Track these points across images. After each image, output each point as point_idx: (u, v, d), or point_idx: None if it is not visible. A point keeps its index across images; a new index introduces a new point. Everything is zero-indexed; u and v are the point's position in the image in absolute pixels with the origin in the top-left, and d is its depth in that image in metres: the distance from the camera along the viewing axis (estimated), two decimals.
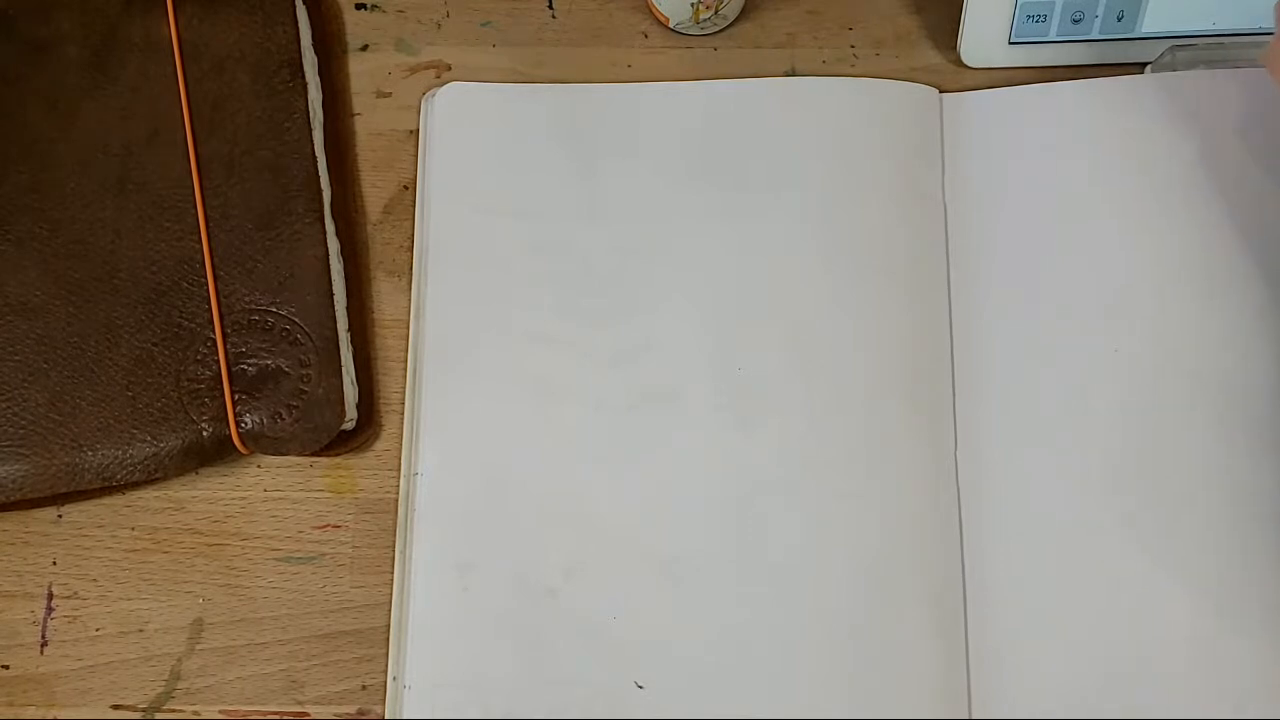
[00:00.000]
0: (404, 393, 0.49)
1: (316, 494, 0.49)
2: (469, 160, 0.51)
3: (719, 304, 0.49)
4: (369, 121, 0.53)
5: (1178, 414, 0.47)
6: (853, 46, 0.54)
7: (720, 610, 0.46)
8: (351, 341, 0.49)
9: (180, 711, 0.47)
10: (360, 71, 0.54)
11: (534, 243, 0.50)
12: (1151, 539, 0.46)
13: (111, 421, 0.47)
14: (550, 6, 0.54)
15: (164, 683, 0.47)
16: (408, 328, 0.50)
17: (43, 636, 0.48)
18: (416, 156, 0.52)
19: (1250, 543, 0.46)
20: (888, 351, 0.48)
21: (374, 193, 0.52)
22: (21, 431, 0.47)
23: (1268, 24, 0.51)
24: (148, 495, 0.49)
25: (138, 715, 0.47)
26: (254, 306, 0.48)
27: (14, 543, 0.49)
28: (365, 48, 0.54)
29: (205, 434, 0.47)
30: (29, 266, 0.49)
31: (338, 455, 0.49)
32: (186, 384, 0.47)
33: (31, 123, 0.50)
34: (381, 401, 0.50)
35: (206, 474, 0.49)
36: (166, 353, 0.48)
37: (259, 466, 0.49)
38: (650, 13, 0.54)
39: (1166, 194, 0.49)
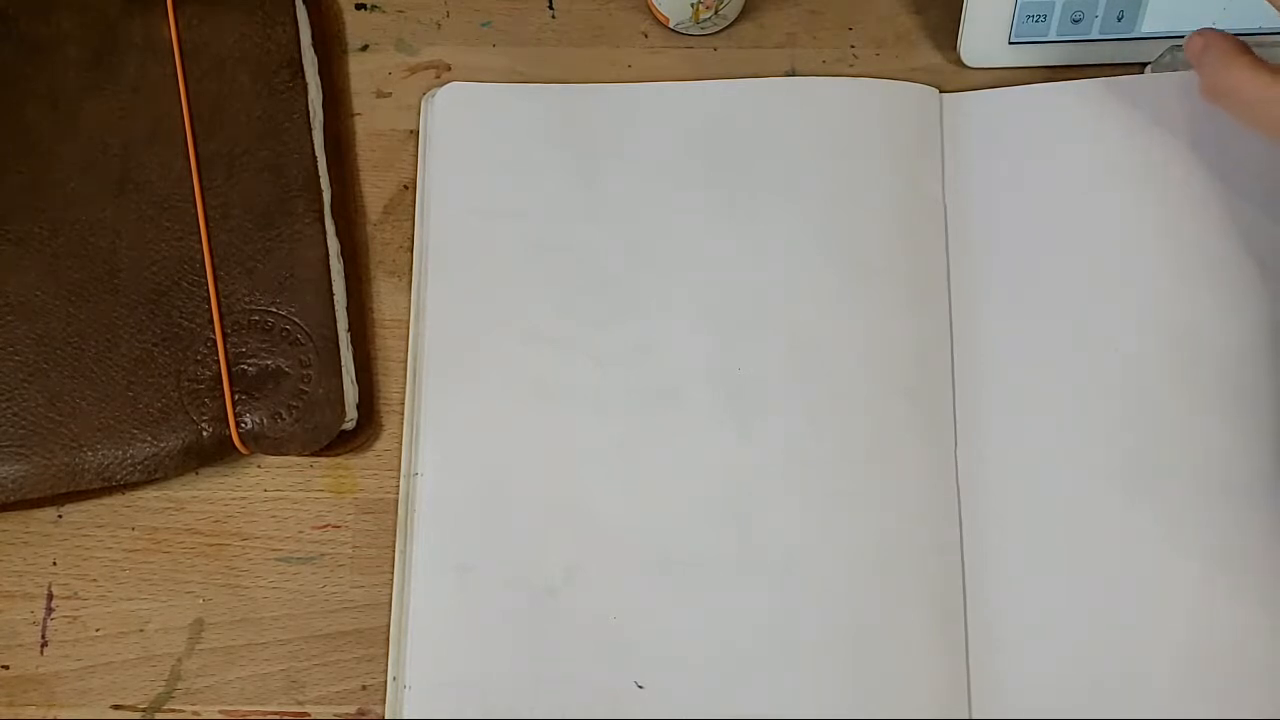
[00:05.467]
0: (404, 393, 0.49)
1: (316, 494, 0.49)
2: (469, 160, 0.51)
3: (719, 304, 0.49)
4: (369, 121, 0.53)
5: (1178, 413, 0.47)
6: (853, 46, 0.54)
7: (720, 610, 0.46)
8: (351, 341, 0.49)
9: (180, 711, 0.47)
10: (360, 71, 0.54)
11: (534, 243, 0.50)
12: (1152, 540, 0.46)
13: (111, 421, 0.47)
14: (550, 6, 0.54)
15: (164, 683, 0.47)
16: (408, 328, 0.50)
17: (43, 636, 0.48)
18: (416, 156, 0.52)
19: (1252, 543, 0.46)
20: (888, 351, 0.48)
21: (374, 193, 0.52)
22: (21, 431, 0.47)
23: (1268, 24, 0.51)
24: (148, 495, 0.49)
25: (138, 715, 0.47)
26: (254, 306, 0.48)
27: (14, 543, 0.49)
28: (365, 48, 0.54)
29: (205, 434, 0.47)
30: (29, 266, 0.49)
31: (338, 455, 0.49)
32: (186, 384, 0.47)
33: (31, 123, 0.50)
34: (381, 401, 0.50)
35: (206, 474, 0.49)
36: (166, 353, 0.48)
37: (259, 466, 0.49)
38: (650, 13, 0.54)
39: (1166, 193, 0.49)
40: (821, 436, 0.48)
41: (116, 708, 0.47)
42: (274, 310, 0.48)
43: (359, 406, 0.48)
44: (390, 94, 0.53)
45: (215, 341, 0.48)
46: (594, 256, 0.50)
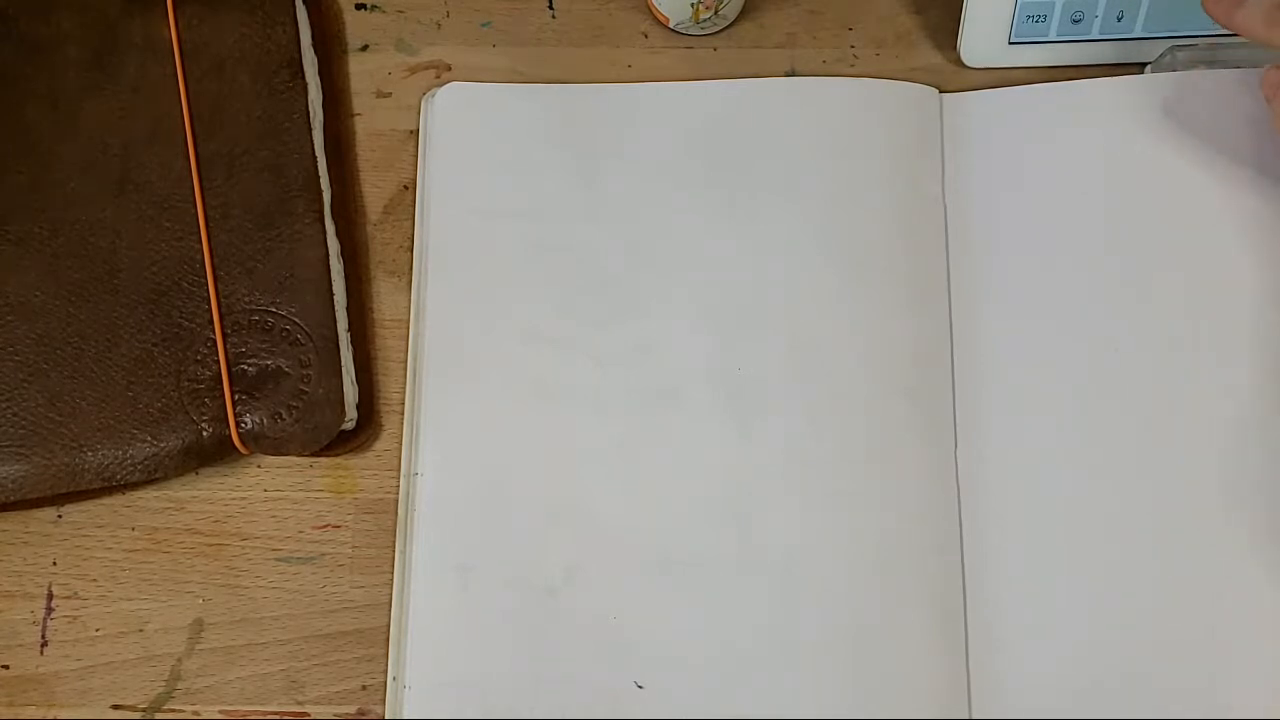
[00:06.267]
0: (404, 393, 0.49)
1: (316, 494, 0.49)
2: (469, 160, 0.51)
3: (719, 304, 0.49)
4: (369, 121, 0.53)
5: (1178, 413, 0.47)
6: (853, 46, 0.54)
7: (720, 610, 0.46)
8: (351, 341, 0.49)
9: (180, 711, 0.47)
10: (360, 71, 0.54)
11: (534, 243, 0.50)
12: (1152, 539, 0.46)
13: (111, 421, 0.47)
14: (550, 6, 0.54)
15: (164, 683, 0.47)
16: (408, 328, 0.50)
17: (43, 636, 0.48)
18: (416, 156, 0.52)
19: (1250, 542, 0.46)
20: (888, 351, 0.48)
21: (374, 193, 0.52)
22: (21, 431, 0.47)
23: None
24: (148, 495, 0.49)
25: (138, 715, 0.47)
26: (254, 306, 0.48)
27: (14, 543, 0.49)
28: (365, 48, 0.54)
29: (205, 434, 0.47)
30: (29, 267, 0.49)
31: (338, 455, 0.49)
32: (186, 384, 0.47)
33: (31, 123, 0.50)
34: (381, 401, 0.50)
35: (206, 474, 0.49)
36: (166, 353, 0.48)
37: (259, 466, 0.49)
38: (650, 13, 0.54)
39: (1166, 194, 0.50)
40: (821, 436, 0.48)
41: (116, 708, 0.47)
42: (274, 310, 0.48)
43: (359, 406, 0.48)
44: (390, 94, 0.53)
45: (215, 341, 0.48)
46: (594, 256, 0.50)
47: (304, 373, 0.48)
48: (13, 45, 0.51)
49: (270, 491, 0.49)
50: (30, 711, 0.47)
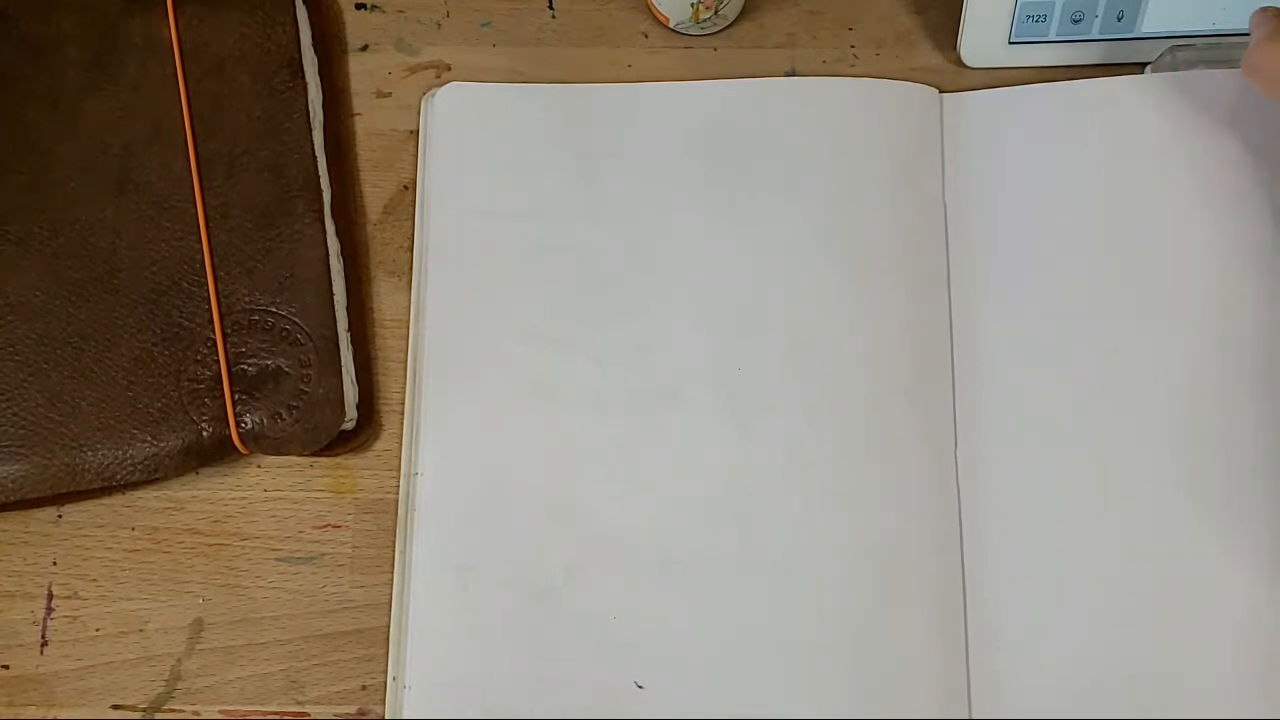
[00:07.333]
0: (404, 393, 0.49)
1: (316, 494, 0.49)
2: (469, 160, 0.51)
3: (719, 304, 0.49)
4: (369, 121, 0.53)
5: (1176, 415, 0.47)
6: (853, 46, 0.54)
7: (720, 610, 0.46)
8: (351, 341, 0.49)
9: (180, 711, 0.47)
10: (360, 71, 0.54)
11: (534, 243, 0.50)
12: (1150, 540, 0.46)
13: (111, 421, 0.47)
14: (550, 6, 0.54)
15: (164, 683, 0.47)
16: (408, 328, 0.50)
17: (43, 636, 0.48)
18: (416, 156, 0.52)
19: (1252, 542, 0.46)
20: (888, 351, 0.48)
21: (374, 193, 0.52)
22: (21, 431, 0.47)
23: None
24: (148, 495, 0.49)
25: (138, 715, 0.47)
26: (254, 306, 0.48)
27: (14, 543, 0.49)
28: (365, 48, 0.54)
29: (205, 434, 0.47)
30: (29, 267, 0.49)
31: (338, 455, 0.49)
32: (186, 384, 0.47)
33: (31, 123, 0.50)
34: (381, 401, 0.50)
35: (206, 474, 0.49)
36: (166, 353, 0.48)
37: (259, 466, 0.49)
38: (650, 13, 0.54)
39: (1166, 194, 0.50)
40: (821, 436, 0.48)
41: (116, 708, 0.47)
42: (274, 310, 0.48)
43: (359, 406, 0.48)
44: (390, 94, 0.53)
45: (215, 341, 0.48)
46: (594, 256, 0.50)
47: (304, 373, 0.48)
48: (13, 45, 0.51)
49: (270, 491, 0.49)
50: (30, 711, 0.47)
